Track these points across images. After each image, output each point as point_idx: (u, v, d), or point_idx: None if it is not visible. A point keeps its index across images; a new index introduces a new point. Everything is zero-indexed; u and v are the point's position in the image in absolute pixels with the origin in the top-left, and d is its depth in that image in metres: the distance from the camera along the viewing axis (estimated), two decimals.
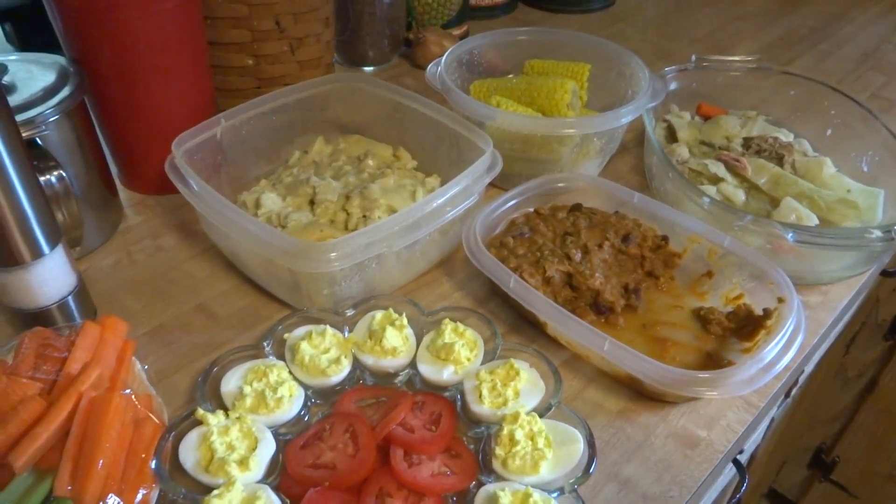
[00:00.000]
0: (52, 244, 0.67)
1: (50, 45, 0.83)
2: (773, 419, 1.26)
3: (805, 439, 1.89)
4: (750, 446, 1.19)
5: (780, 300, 0.71)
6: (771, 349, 0.65)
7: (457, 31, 1.33)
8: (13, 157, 0.60)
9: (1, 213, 0.61)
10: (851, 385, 1.77)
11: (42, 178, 0.69)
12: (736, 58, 1.08)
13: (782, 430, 1.50)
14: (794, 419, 1.56)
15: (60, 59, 0.80)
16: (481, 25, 1.44)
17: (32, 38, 1.10)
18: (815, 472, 1.97)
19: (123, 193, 0.92)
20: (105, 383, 0.60)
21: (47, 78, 0.77)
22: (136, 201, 0.92)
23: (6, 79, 0.75)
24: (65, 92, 0.75)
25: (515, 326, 0.76)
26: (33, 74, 0.77)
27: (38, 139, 0.72)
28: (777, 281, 0.72)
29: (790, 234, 0.75)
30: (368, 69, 1.27)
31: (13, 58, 0.79)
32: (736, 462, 0.84)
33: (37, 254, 0.65)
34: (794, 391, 1.29)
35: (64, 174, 0.70)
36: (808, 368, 1.26)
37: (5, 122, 0.59)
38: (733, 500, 0.88)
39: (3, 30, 1.13)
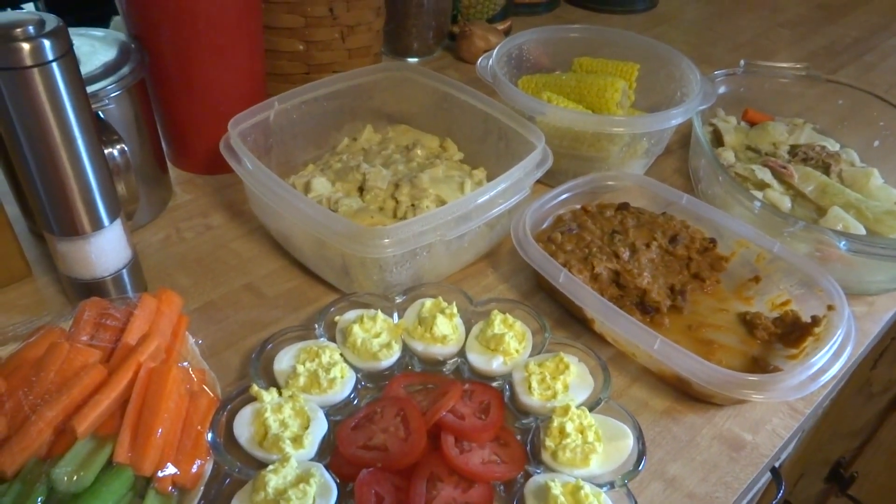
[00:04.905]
0: (112, 217, 0.68)
1: (81, 24, 0.83)
2: (803, 430, 1.25)
3: (824, 452, 1.87)
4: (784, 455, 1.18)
5: (830, 308, 0.70)
6: (820, 357, 0.64)
7: (501, 27, 1.33)
8: (83, 128, 0.61)
9: (67, 183, 0.63)
10: (876, 400, 1.76)
11: (105, 151, 0.70)
12: (785, 64, 1.07)
13: (807, 442, 1.49)
14: (818, 431, 1.55)
15: (121, 36, 0.81)
16: (524, 22, 1.44)
17: (64, 17, 1.11)
18: (833, 486, 1.95)
19: (172, 172, 0.93)
20: (161, 355, 0.61)
21: (109, 54, 0.78)
22: (185, 180, 0.94)
23: None
24: (126, 68, 0.76)
25: (560, 321, 0.76)
26: (96, 49, 0.78)
27: (100, 113, 0.73)
28: (827, 289, 0.72)
29: (843, 243, 0.75)
30: (412, 60, 1.27)
31: (75, 32, 0.80)
32: (773, 470, 0.84)
33: (97, 225, 0.67)
34: (825, 402, 1.28)
35: (126, 148, 0.71)
36: None
37: (77, 93, 0.60)
38: None
39: (36, 6, 1.15)
